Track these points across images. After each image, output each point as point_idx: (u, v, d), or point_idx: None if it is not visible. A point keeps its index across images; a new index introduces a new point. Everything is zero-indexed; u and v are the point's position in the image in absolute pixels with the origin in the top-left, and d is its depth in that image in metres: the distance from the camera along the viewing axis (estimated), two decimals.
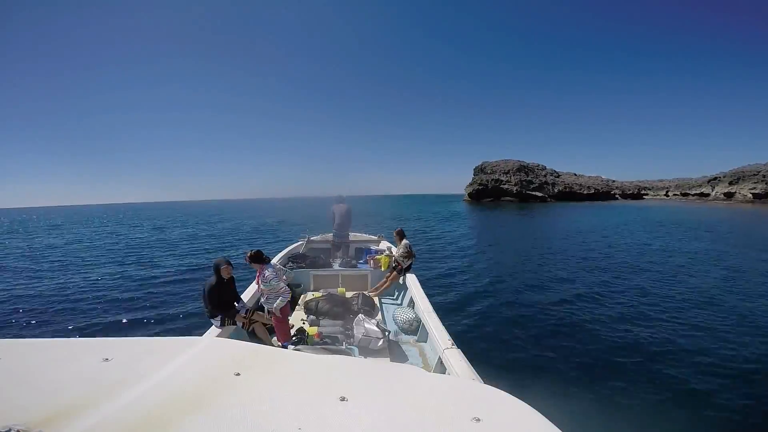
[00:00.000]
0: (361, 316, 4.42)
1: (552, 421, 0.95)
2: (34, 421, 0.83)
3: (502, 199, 78.38)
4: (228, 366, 1.14)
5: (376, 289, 6.24)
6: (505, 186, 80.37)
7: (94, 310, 8.38)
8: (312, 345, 4.06)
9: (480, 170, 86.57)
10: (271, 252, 5.65)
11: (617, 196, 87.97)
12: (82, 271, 13.42)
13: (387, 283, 6.21)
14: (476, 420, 0.92)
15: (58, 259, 16.34)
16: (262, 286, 4.24)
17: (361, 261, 7.38)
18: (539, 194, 79.26)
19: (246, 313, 4.26)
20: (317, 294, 5.74)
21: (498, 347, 5.94)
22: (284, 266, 6.82)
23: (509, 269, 12.32)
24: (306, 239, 8.41)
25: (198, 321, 7.24)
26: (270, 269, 4.25)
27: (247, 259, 4.28)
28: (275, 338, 4.29)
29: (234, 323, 4.15)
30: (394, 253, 6.44)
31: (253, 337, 4.23)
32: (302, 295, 6.00)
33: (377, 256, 6.82)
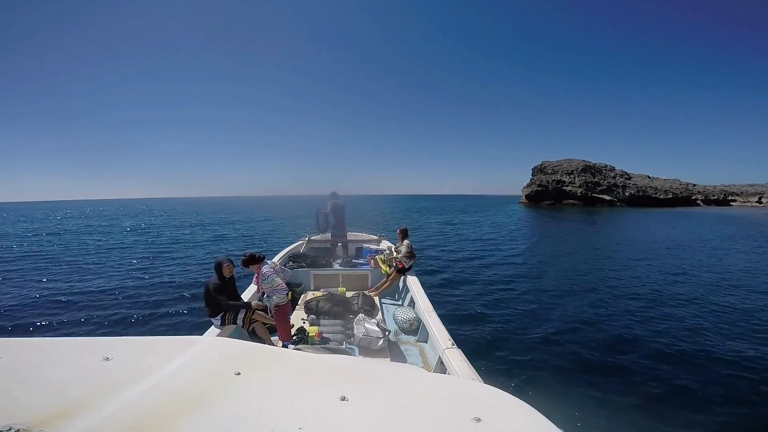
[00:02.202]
0: (361, 315, 4.42)
1: (552, 421, 0.95)
2: (34, 420, 0.83)
3: (564, 202, 71.26)
4: (228, 365, 1.14)
5: (377, 288, 6.24)
6: (568, 188, 72.12)
7: (95, 309, 8.38)
8: (312, 344, 4.06)
9: (539, 170, 78.84)
10: (271, 252, 5.67)
11: (699, 201, 76.69)
12: (82, 269, 13.42)
13: (387, 283, 6.21)
14: (477, 420, 0.91)
15: (57, 257, 16.35)
16: (261, 285, 4.24)
17: (362, 261, 7.38)
18: (607, 197, 70.48)
19: (246, 313, 4.26)
20: (318, 293, 5.74)
21: (498, 347, 5.93)
22: (284, 266, 6.83)
23: (522, 271, 12.29)
24: (306, 239, 8.41)
25: (198, 320, 7.25)
26: (266, 266, 4.27)
27: (242, 264, 4.28)
28: (276, 337, 4.30)
29: (234, 322, 4.15)
30: (394, 253, 6.44)
31: (253, 336, 4.23)
32: (302, 295, 6.00)
33: (378, 256, 6.83)
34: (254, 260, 4.26)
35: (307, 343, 4.09)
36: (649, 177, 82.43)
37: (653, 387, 4.79)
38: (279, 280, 4.24)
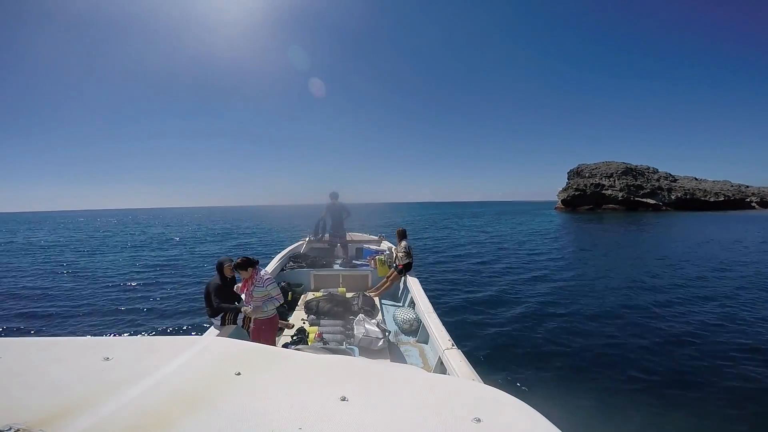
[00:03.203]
0: (361, 316, 4.42)
1: (552, 421, 0.95)
2: (34, 419, 0.82)
3: (604, 207, 67.72)
4: (228, 365, 1.14)
5: (377, 289, 6.24)
6: (608, 191, 68.57)
7: (95, 310, 8.39)
8: (312, 345, 4.05)
9: (576, 174, 75.57)
10: (271, 252, 5.66)
11: (754, 204, 70.83)
12: (82, 270, 13.44)
13: (387, 284, 6.21)
14: (477, 420, 0.91)
15: (59, 259, 16.37)
16: (254, 293, 3.81)
17: (362, 261, 7.38)
18: (651, 201, 66.48)
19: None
20: (318, 294, 5.74)
21: (498, 348, 5.93)
22: (285, 266, 6.83)
23: (522, 271, 12.29)
24: (307, 239, 8.42)
25: (198, 320, 7.25)
26: (263, 270, 3.98)
27: (235, 268, 3.89)
28: (276, 338, 4.28)
29: (234, 323, 4.15)
30: (395, 254, 6.44)
31: None
32: (302, 295, 6.00)
33: (378, 257, 6.83)
34: (251, 263, 3.87)
35: (307, 344, 4.09)
36: (696, 179, 77.36)
37: (653, 387, 4.78)
38: (278, 289, 3.94)
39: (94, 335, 6.72)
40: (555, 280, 10.84)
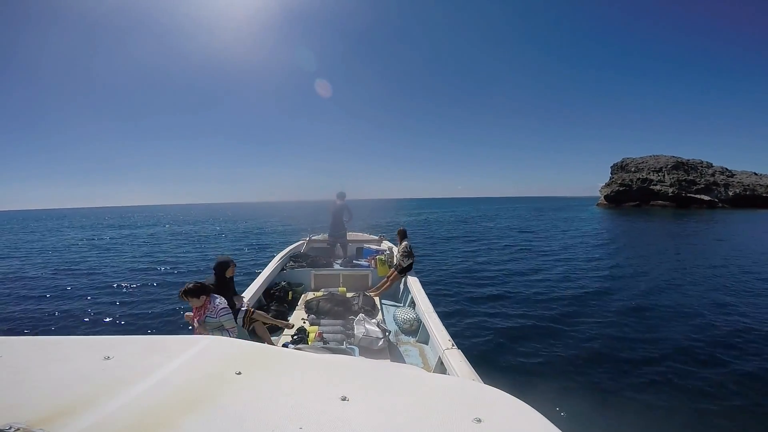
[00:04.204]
0: (361, 315, 4.42)
1: (552, 421, 0.95)
2: (34, 419, 0.82)
3: (652, 203, 63.54)
4: (229, 365, 1.14)
5: (377, 289, 6.24)
6: (657, 187, 64.09)
7: (96, 309, 8.40)
8: (312, 344, 4.06)
9: (620, 168, 71.44)
10: (272, 252, 5.67)
11: None
12: (83, 269, 13.44)
13: (388, 283, 6.22)
14: (477, 420, 0.91)
15: (60, 258, 16.38)
16: (206, 323, 3.45)
17: (362, 261, 7.39)
18: (706, 198, 61.94)
19: (246, 313, 4.26)
20: (318, 293, 5.75)
21: (499, 348, 5.93)
22: (285, 266, 6.83)
23: (520, 268, 12.28)
24: (307, 239, 8.43)
25: None
26: (219, 298, 3.58)
27: (183, 295, 3.42)
28: (276, 337, 4.29)
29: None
30: (395, 253, 6.44)
31: (253, 336, 4.24)
32: (303, 295, 6.01)
33: (378, 257, 6.84)
34: (205, 290, 3.43)
35: (308, 343, 4.09)
36: (755, 174, 70.46)
37: (654, 386, 4.78)
38: (233, 321, 3.61)
39: (95, 334, 6.73)
40: (560, 280, 10.82)
